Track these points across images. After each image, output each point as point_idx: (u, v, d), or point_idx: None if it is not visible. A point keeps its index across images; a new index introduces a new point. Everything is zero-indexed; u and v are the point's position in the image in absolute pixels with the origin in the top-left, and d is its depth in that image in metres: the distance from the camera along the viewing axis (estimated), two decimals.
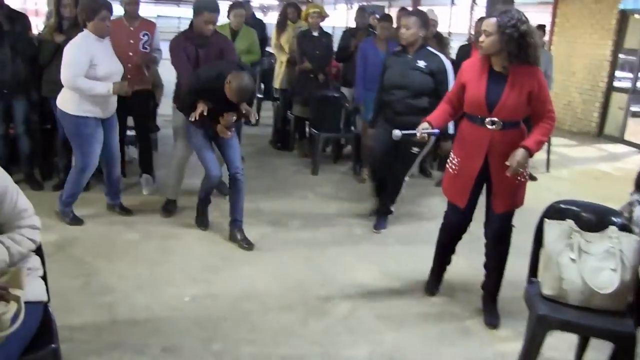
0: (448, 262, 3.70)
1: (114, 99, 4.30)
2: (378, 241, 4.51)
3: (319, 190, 5.68)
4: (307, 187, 5.77)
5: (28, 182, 5.08)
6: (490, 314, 3.42)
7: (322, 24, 6.58)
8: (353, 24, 7.03)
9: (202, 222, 4.53)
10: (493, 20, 3.02)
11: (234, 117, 4.07)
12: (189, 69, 4.29)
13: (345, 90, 6.73)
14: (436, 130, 3.31)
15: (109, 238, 4.21)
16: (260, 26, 7.76)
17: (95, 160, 4.30)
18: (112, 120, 4.38)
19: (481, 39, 3.07)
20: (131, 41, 4.93)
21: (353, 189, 5.78)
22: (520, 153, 3.00)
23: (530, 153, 3.01)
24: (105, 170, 4.53)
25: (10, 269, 2.00)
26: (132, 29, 4.95)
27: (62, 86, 4.15)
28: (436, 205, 5.26)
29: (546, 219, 2.80)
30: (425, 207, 5.38)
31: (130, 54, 4.90)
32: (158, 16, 30.49)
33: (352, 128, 6.41)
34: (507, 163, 3.02)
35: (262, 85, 8.96)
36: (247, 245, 4.18)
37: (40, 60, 4.82)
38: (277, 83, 7.11)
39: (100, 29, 4.07)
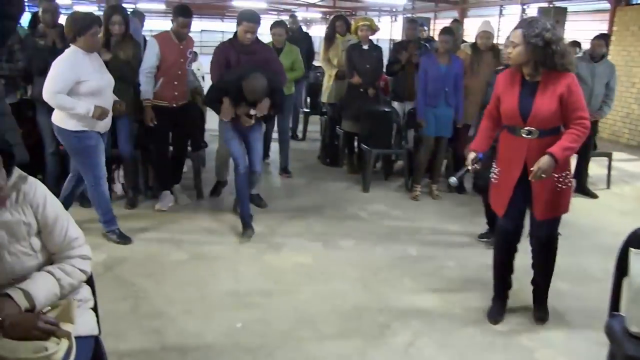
0: (509, 285, 3.56)
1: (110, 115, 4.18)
2: (436, 263, 4.29)
3: (370, 208, 5.51)
4: (358, 204, 5.60)
5: (78, 199, 5.03)
6: (539, 309, 3.49)
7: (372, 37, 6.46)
8: (397, 37, 6.90)
9: (247, 228, 4.63)
10: (518, 31, 3.07)
11: (253, 112, 4.44)
12: (219, 72, 4.71)
13: (395, 104, 6.62)
14: (480, 155, 3.36)
15: (157, 258, 4.13)
16: (307, 40, 7.69)
17: (104, 169, 4.20)
18: (104, 137, 4.25)
19: (509, 50, 3.12)
20: (181, 60, 4.96)
21: (406, 207, 5.61)
22: (544, 160, 3.02)
23: (555, 159, 3.01)
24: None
25: (60, 301, 1.88)
26: (181, 47, 4.95)
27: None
28: None
29: (632, 249, 2.55)
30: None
31: (180, 72, 4.96)
32: (202, 31, 31.05)
33: (404, 143, 6.24)
34: (531, 168, 3.05)
35: (309, 99, 8.88)
36: (246, 233, 4.56)
37: None
38: (325, 97, 7.02)
39: (90, 45, 3.96)
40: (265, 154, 7.06)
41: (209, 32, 30.23)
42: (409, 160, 6.14)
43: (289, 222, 5.00)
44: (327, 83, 6.93)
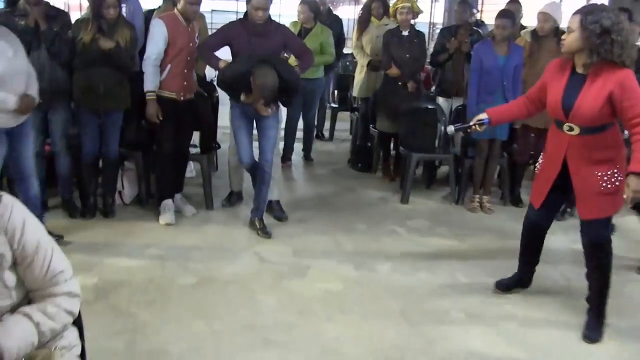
0: (531, 270, 4.03)
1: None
2: (492, 295, 4.11)
3: (411, 224, 5.37)
4: (396, 218, 5.46)
5: (66, 208, 5.07)
6: (588, 326, 3.59)
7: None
8: (439, 21, 6.82)
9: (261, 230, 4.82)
10: (577, 16, 3.21)
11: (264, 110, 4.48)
12: (211, 47, 4.82)
13: (441, 100, 6.51)
14: (486, 119, 3.72)
15: (159, 282, 4.03)
16: (337, 23, 7.58)
17: None
18: (22, 130, 4.13)
19: (564, 37, 3.29)
20: (191, 44, 4.90)
21: (454, 222, 5.48)
22: (632, 182, 3.13)
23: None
24: (19, 190, 4.28)
25: (39, 351, 1.74)
26: (189, 29, 4.89)
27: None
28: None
29: None
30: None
31: (189, 59, 4.92)
32: (212, 11, 31.16)
33: (451, 147, 6.12)
34: (624, 196, 3.21)
35: (337, 93, 8.77)
36: (264, 234, 4.78)
37: (79, 66, 4.76)
38: (356, 91, 6.94)
39: None
40: (289, 152, 6.96)
41: (221, 12, 30.33)
42: (457, 166, 6.02)
43: (315, 240, 4.89)
44: (359, 74, 6.83)
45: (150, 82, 4.75)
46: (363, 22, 6.74)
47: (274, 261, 4.44)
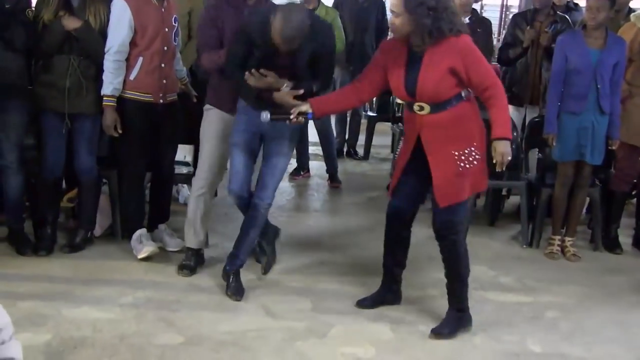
0: (395, 278, 4.63)
1: None
2: None
3: (471, 274, 5.28)
4: None
5: (13, 241, 5.12)
6: (443, 321, 4.33)
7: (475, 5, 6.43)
8: (514, 3, 6.84)
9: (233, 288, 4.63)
10: None
11: (286, 86, 4.29)
12: (210, 34, 4.64)
13: (511, 109, 6.39)
14: (309, 113, 4.15)
15: (135, 341, 4.03)
16: (379, 6, 7.67)
17: None
18: None
19: (391, 19, 3.99)
20: (166, 29, 4.93)
21: (525, 271, 5.45)
22: (498, 146, 3.95)
23: (507, 138, 3.96)
24: None
25: None
26: (163, 10, 4.92)
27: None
28: None
29: None
30: None
31: (166, 49, 4.94)
32: None
33: (523, 172, 6.14)
34: (495, 161, 4.00)
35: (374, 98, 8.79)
36: (234, 295, 4.59)
37: (39, 54, 4.86)
38: None
39: None
40: (304, 164, 7.02)
41: None
42: (531, 197, 6.01)
43: (340, 290, 4.90)
44: None
45: (109, 84, 4.77)
46: None
47: (286, 316, 4.44)
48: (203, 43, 4.75)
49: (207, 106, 4.84)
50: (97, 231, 5.42)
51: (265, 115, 4.10)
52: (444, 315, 4.34)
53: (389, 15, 8.22)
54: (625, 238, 5.99)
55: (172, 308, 4.43)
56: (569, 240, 5.77)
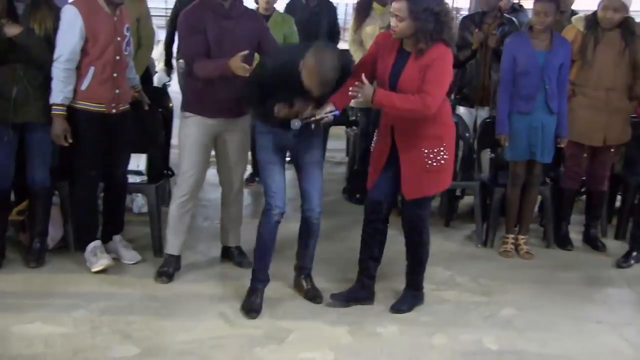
0: (369, 272, 4.80)
1: None
2: None
3: (426, 275, 5.28)
4: (404, 266, 5.24)
5: None
6: (400, 298, 4.78)
7: None
8: (464, 5, 6.88)
9: (251, 304, 4.58)
10: (403, 3, 4.09)
11: (312, 114, 4.30)
12: (195, 43, 4.72)
13: (462, 111, 6.61)
14: (336, 112, 4.32)
15: (90, 355, 4.00)
16: (329, 10, 7.66)
17: None
18: None
19: (393, 24, 4.20)
20: (118, 38, 4.90)
21: (479, 270, 5.50)
22: (366, 90, 4.15)
23: (374, 96, 4.16)
24: None
25: None
26: (115, 19, 4.88)
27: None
28: None
29: None
30: None
31: (118, 58, 4.91)
32: None
33: (476, 172, 6.19)
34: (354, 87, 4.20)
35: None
36: (313, 297, 4.81)
37: None
38: (354, 99, 6.89)
39: None
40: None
41: None
42: (484, 196, 6.06)
43: (298, 295, 4.91)
44: None
45: (58, 92, 4.70)
46: (363, 10, 6.83)
47: (244, 323, 4.44)
48: (191, 53, 4.80)
49: (186, 113, 4.92)
50: (49, 244, 5.35)
51: (297, 123, 4.23)
52: (400, 294, 4.79)
53: (340, 20, 8.32)
54: (575, 234, 6.07)
55: (128, 319, 4.40)
56: (522, 238, 5.84)
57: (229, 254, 5.36)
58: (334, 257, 5.60)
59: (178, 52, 6.74)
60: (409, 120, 4.27)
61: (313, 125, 4.30)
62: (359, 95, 4.19)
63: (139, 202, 6.23)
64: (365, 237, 4.78)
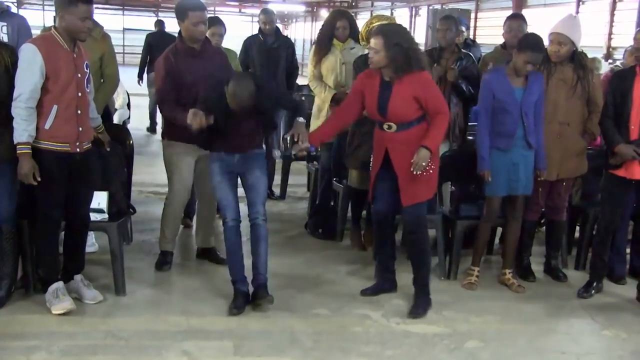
0: (390, 268, 5.64)
1: None
2: None
3: (389, 306, 5.43)
4: (368, 300, 5.52)
5: None
6: (415, 305, 5.29)
7: None
8: (421, 40, 6.96)
9: (233, 303, 5.17)
10: (379, 38, 4.92)
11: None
12: (165, 83, 5.52)
13: None
14: (311, 148, 5.49)
15: None
16: (288, 47, 7.73)
17: None
18: None
19: (370, 55, 5.02)
20: (79, 75, 4.91)
21: (445, 304, 5.52)
22: (421, 152, 4.88)
23: (430, 150, 4.91)
24: None
25: None
26: (74, 55, 4.90)
27: None
28: None
29: None
30: None
31: (80, 95, 4.92)
32: (125, 29, 31.52)
33: (437, 205, 6.20)
34: (412, 161, 4.89)
35: (288, 138, 8.78)
36: (265, 302, 5.15)
37: None
38: None
39: None
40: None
41: (135, 31, 30.52)
42: (446, 229, 6.11)
43: (263, 331, 4.90)
44: (319, 112, 6.92)
45: (22, 131, 4.68)
46: (323, 45, 6.87)
47: None
48: (163, 94, 5.62)
49: (170, 142, 5.76)
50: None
51: (277, 153, 4.86)
52: (413, 300, 5.33)
53: (298, 55, 8.42)
54: (537, 266, 6.14)
55: (120, 345, 4.44)
56: (509, 272, 5.89)
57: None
58: (298, 284, 5.70)
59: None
60: (403, 142, 5.01)
61: (293, 155, 4.96)
62: (424, 163, 4.87)
63: (88, 242, 6.15)
64: (379, 242, 5.59)
